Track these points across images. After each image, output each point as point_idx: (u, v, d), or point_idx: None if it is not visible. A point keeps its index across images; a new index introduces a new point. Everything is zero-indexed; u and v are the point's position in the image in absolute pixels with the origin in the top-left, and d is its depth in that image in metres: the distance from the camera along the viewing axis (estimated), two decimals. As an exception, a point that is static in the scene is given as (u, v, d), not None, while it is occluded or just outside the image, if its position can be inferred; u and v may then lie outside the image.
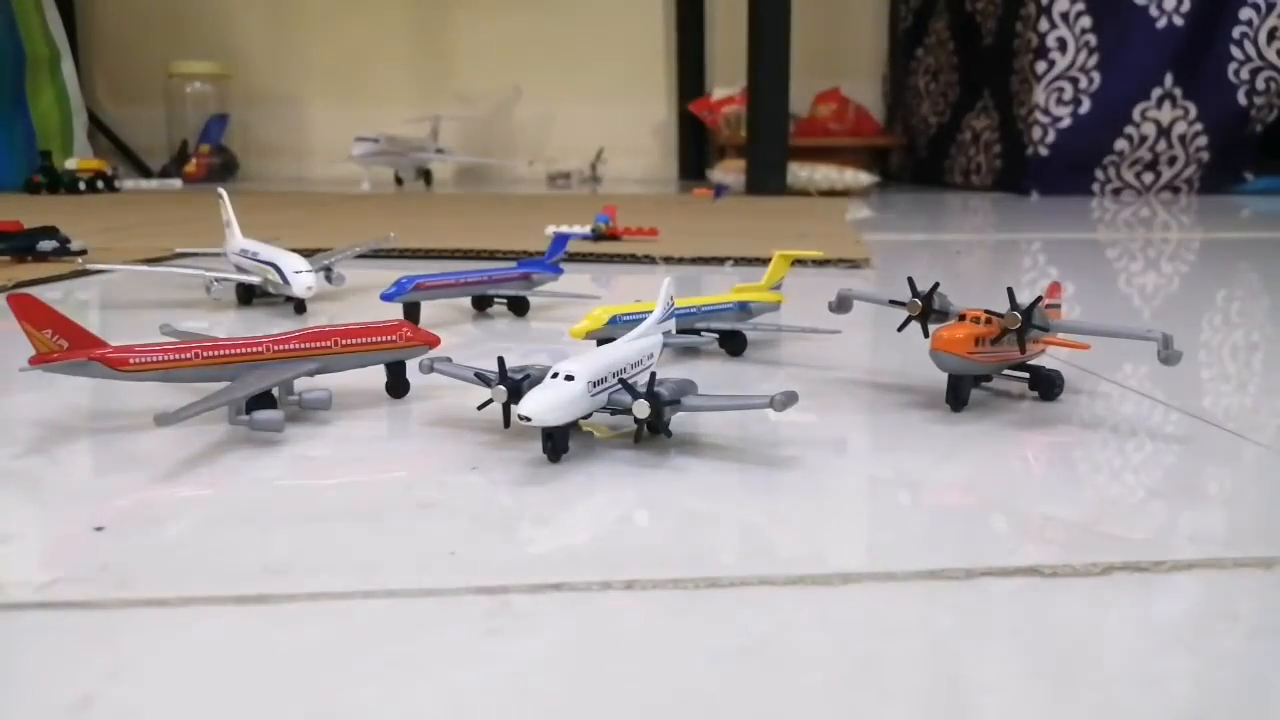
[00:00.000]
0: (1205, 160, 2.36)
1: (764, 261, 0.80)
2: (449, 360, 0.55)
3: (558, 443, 0.47)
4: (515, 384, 0.48)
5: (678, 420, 0.50)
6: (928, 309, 0.60)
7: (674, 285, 0.59)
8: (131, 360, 0.52)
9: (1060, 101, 2.31)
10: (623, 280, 1.11)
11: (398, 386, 0.58)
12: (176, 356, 0.52)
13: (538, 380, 0.48)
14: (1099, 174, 2.38)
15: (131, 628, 0.32)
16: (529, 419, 0.44)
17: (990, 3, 2.54)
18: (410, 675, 0.29)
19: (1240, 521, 0.42)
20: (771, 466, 0.48)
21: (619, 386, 0.49)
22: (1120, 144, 2.34)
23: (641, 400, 0.47)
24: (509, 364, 0.49)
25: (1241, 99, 2.31)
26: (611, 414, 0.49)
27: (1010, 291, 0.57)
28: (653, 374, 0.49)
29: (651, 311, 0.56)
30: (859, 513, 0.44)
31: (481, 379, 0.50)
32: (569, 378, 0.46)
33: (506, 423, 0.49)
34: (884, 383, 0.64)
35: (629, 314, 0.64)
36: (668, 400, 0.47)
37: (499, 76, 3.06)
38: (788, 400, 0.46)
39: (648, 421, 0.47)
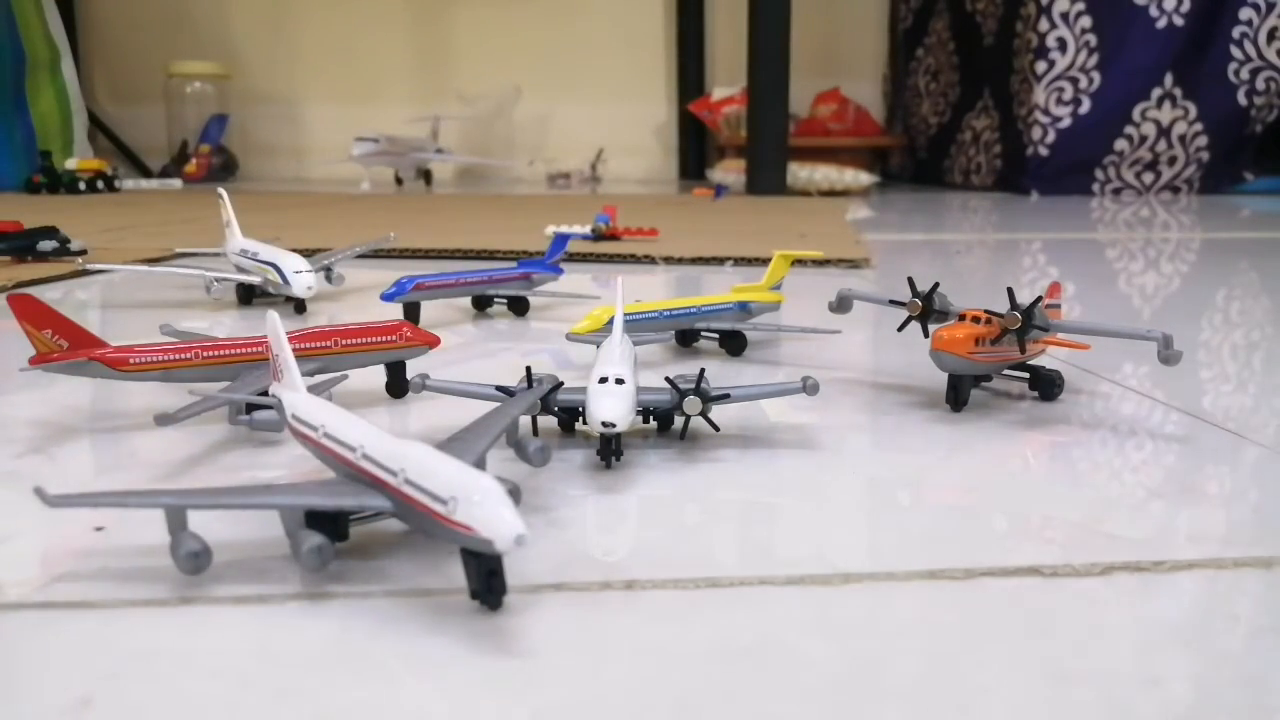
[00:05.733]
0: (1205, 160, 2.36)
1: (764, 261, 0.80)
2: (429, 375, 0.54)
3: (618, 446, 0.46)
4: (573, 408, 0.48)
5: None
6: (928, 309, 0.60)
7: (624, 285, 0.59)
8: (131, 360, 0.52)
9: (1060, 101, 2.32)
10: (623, 280, 1.11)
11: (398, 386, 0.58)
12: (176, 356, 0.52)
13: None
14: (1099, 174, 2.39)
15: (131, 628, 0.32)
16: (614, 425, 0.44)
17: (990, 3, 2.54)
18: (409, 676, 0.29)
19: (1240, 521, 0.42)
20: (772, 467, 0.48)
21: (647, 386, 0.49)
22: (1120, 144, 2.35)
23: (693, 397, 0.47)
24: (502, 371, 0.49)
25: (1241, 99, 2.31)
26: (643, 414, 0.49)
27: (1010, 291, 0.57)
28: (701, 370, 0.49)
29: (651, 311, 0.56)
30: (859, 512, 0.44)
31: (504, 392, 0.49)
32: (619, 380, 0.45)
33: (535, 430, 0.50)
34: (884, 383, 0.64)
35: (629, 314, 0.64)
36: (715, 396, 0.48)
37: (499, 76, 3.06)
38: (816, 385, 0.49)
39: (700, 415, 0.47)
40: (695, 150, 3.10)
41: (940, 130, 2.80)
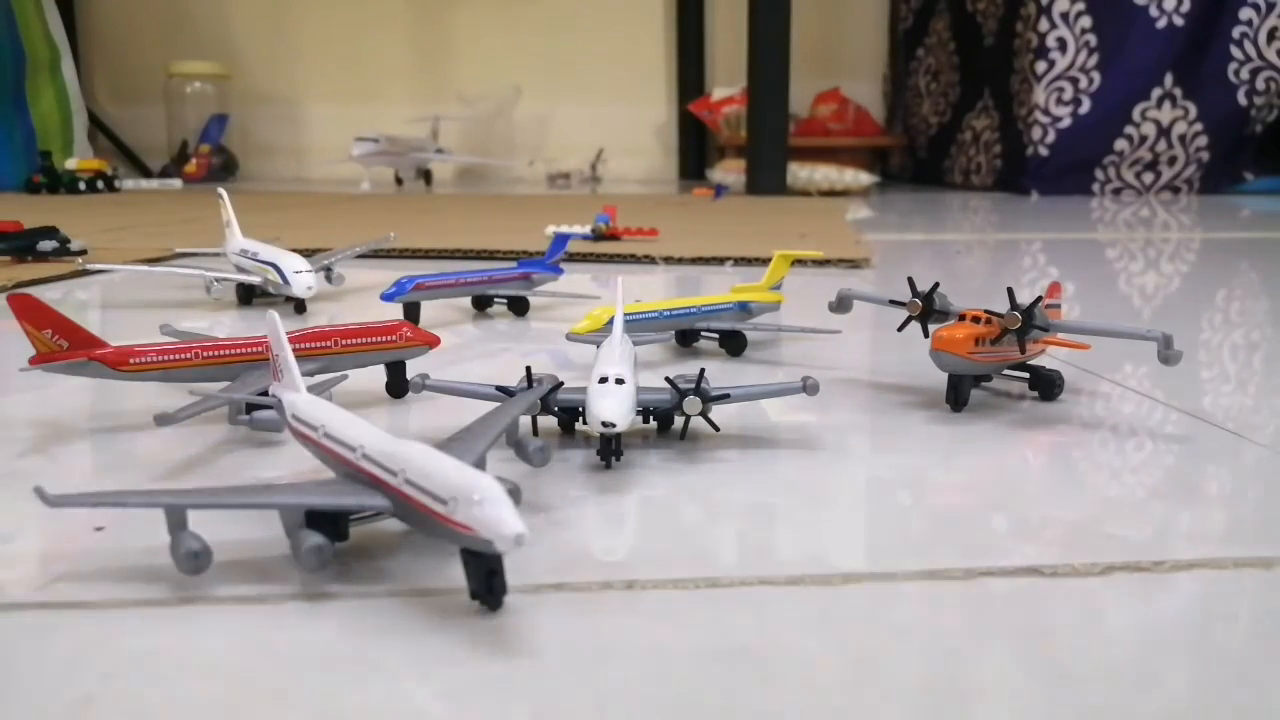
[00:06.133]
0: (1205, 160, 2.36)
1: (764, 261, 0.80)
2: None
3: (618, 446, 0.46)
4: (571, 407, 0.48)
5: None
6: (928, 309, 0.60)
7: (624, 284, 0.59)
8: (131, 360, 0.52)
9: (1060, 101, 2.31)
10: (623, 280, 1.11)
11: (398, 386, 0.58)
12: (176, 356, 0.52)
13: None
14: (1099, 174, 2.38)
15: (131, 628, 0.32)
16: (614, 425, 0.44)
17: (991, 3, 2.54)
18: (410, 675, 0.29)
19: (1240, 521, 0.42)
20: (772, 467, 0.48)
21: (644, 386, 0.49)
22: (1120, 144, 2.35)
23: (693, 397, 0.47)
24: (502, 371, 0.49)
25: (1241, 99, 2.31)
26: (642, 414, 0.49)
27: (1010, 291, 0.57)
28: (701, 370, 0.49)
29: (651, 311, 0.56)
30: (859, 513, 0.44)
31: (504, 392, 0.49)
32: (619, 380, 0.45)
33: (535, 430, 0.50)
34: (884, 383, 0.64)
35: (629, 314, 0.64)
36: (715, 396, 0.48)
37: (499, 76, 3.05)
38: (816, 385, 0.49)
39: (700, 415, 0.47)
40: (695, 150, 3.09)
41: (940, 130, 2.80)
